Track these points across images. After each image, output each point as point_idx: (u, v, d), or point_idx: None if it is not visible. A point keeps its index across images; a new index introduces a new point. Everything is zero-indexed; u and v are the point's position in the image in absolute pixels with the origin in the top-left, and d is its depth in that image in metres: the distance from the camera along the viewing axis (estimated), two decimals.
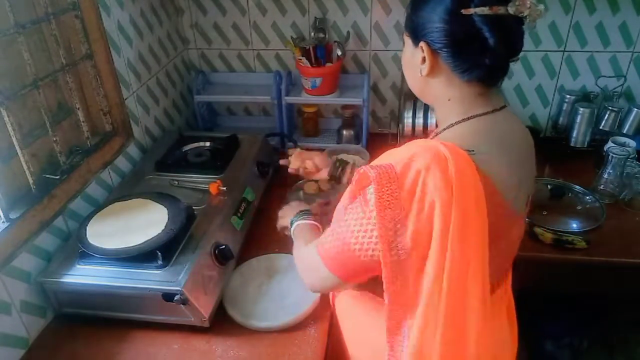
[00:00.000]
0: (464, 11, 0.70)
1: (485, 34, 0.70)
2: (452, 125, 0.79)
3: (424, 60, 0.77)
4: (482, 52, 0.72)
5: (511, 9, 0.69)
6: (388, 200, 0.68)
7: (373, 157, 1.59)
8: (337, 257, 0.78)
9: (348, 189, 0.78)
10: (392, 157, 0.73)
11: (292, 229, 1.06)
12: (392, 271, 0.70)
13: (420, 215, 0.67)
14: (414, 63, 0.80)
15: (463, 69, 0.75)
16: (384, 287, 0.72)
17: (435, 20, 0.73)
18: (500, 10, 0.69)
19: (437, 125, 0.88)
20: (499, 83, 0.80)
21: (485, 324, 0.70)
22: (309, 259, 0.86)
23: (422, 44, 0.76)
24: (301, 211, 1.08)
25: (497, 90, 0.81)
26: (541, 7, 0.71)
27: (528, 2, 0.69)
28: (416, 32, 0.77)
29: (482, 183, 0.69)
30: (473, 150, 0.71)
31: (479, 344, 0.70)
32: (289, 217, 1.10)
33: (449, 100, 0.80)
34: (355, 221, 0.74)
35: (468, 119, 0.78)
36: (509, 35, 0.72)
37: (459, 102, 0.79)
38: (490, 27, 0.70)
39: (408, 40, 0.81)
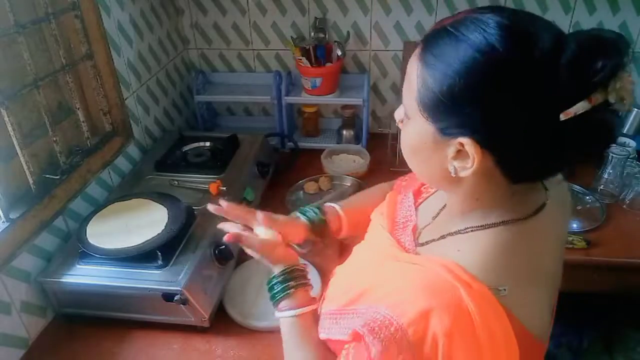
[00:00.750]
0: (563, 116, 0.50)
1: (576, 136, 0.51)
2: (471, 229, 0.62)
3: (460, 155, 0.56)
4: (560, 156, 0.55)
5: (611, 97, 0.50)
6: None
7: (373, 158, 1.60)
8: None
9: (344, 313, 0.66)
10: (396, 286, 0.59)
11: (281, 316, 0.79)
12: None
13: None
14: (436, 155, 0.59)
15: (522, 175, 0.58)
16: None
17: (501, 115, 0.52)
18: (599, 99, 0.50)
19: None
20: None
21: None
22: None
23: (466, 140, 0.54)
24: (284, 273, 0.78)
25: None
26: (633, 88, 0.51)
27: (629, 82, 0.50)
28: (459, 123, 0.55)
29: (513, 330, 0.55)
30: (504, 289, 0.56)
31: None
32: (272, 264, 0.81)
33: (476, 200, 0.62)
34: None
35: (492, 226, 0.60)
36: (606, 134, 0.53)
37: (488, 203, 0.61)
38: (584, 126, 0.51)
39: (424, 122, 0.58)
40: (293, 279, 0.77)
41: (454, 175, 0.58)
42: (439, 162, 0.59)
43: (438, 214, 0.73)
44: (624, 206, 1.43)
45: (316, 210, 0.91)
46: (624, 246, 1.30)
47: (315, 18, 1.70)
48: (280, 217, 0.87)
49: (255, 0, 1.72)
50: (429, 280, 0.58)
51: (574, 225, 1.37)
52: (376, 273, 0.68)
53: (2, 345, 0.98)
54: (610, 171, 1.44)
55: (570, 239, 1.29)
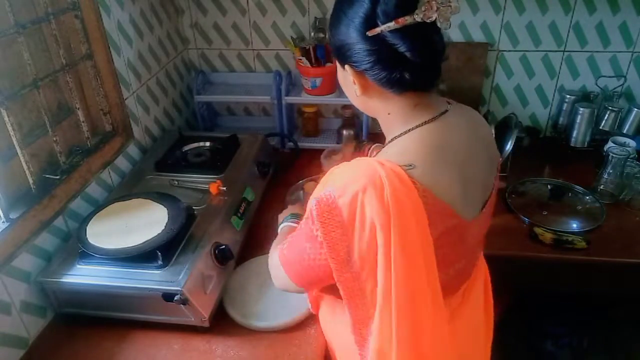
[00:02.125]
0: (369, 33, 0.70)
1: (400, 48, 0.70)
2: (393, 139, 0.80)
3: (354, 81, 0.78)
4: (404, 65, 0.72)
5: (418, 17, 0.68)
6: (331, 225, 0.71)
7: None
8: (294, 266, 0.82)
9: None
10: (333, 180, 0.75)
11: (279, 229, 1.05)
12: (348, 289, 0.74)
13: (362, 236, 0.70)
14: (348, 83, 0.81)
15: (391, 85, 0.75)
16: (344, 302, 0.76)
17: (350, 43, 0.74)
18: (408, 20, 0.68)
19: None
20: (435, 86, 0.80)
21: (440, 325, 0.76)
22: (274, 261, 0.89)
23: (347, 67, 0.77)
24: (292, 214, 1.07)
25: (436, 94, 0.81)
26: (454, 3, 0.70)
27: (434, 4, 0.67)
28: (339, 56, 0.79)
29: (422, 197, 0.70)
30: (411, 165, 0.72)
31: (435, 344, 0.75)
32: (283, 217, 1.10)
33: (388, 114, 0.81)
34: (308, 241, 0.77)
35: (408, 131, 0.78)
36: (426, 42, 0.71)
37: (398, 115, 0.79)
38: (402, 40, 0.69)
39: (339, 66, 0.82)
40: (298, 216, 1.03)
41: (356, 95, 0.80)
42: (351, 89, 0.81)
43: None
44: (624, 206, 1.44)
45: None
46: (624, 246, 1.30)
47: (315, 18, 1.70)
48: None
49: (255, 0, 1.72)
50: (353, 165, 0.75)
51: (574, 225, 1.37)
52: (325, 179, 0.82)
53: (2, 345, 0.98)
54: (610, 171, 1.45)
55: (570, 239, 1.29)
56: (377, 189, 0.68)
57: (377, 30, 0.69)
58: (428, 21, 0.68)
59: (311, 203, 0.74)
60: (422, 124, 0.77)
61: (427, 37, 0.71)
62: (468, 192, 0.78)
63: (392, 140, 0.80)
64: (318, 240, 0.74)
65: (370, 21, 0.70)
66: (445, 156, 0.76)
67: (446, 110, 0.80)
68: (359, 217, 0.70)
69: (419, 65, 0.72)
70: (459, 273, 0.84)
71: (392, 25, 0.68)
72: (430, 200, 0.71)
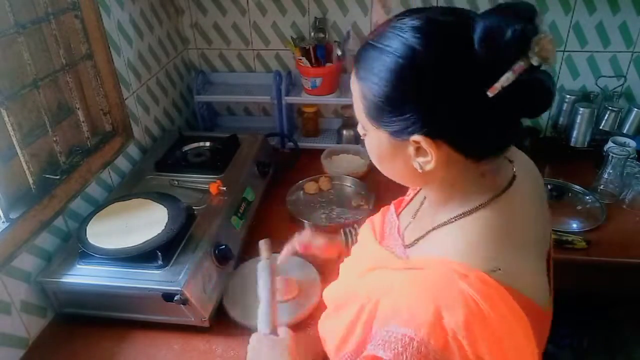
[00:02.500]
0: (490, 92, 0.53)
1: (517, 104, 0.55)
2: (453, 219, 0.63)
3: (420, 152, 0.59)
4: (508, 125, 0.58)
5: (534, 60, 0.52)
6: None
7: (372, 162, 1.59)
8: None
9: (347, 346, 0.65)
10: (395, 300, 0.58)
11: None
12: None
13: None
14: (399, 157, 0.62)
15: (482, 151, 0.60)
16: None
17: (439, 107, 0.56)
18: (523, 64, 0.52)
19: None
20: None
21: None
22: None
23: (418, 137, 0.57)
24: None
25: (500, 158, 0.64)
26: (549, 35, 0.53)
27: (548, 43, 0.52)
28: (405, 124, 0.58)
29: (520, 304, 0.55)
30: (499, 270, 0.57)
31: None
32: None
33: (451, 186, 0.64)
34: None
35: (472, 211, 0.62)
36: (544, 92, 0.55)
37: (462, 188, 0.63)
38: (520, 93, 0.53)
39: (379, 132, 0.61)
40: None
41: (420, 171, 0.61)
42: (404, 162, 0.62)
43: (417, 211, 0.76)
44: (624, 206, 1.43)
45: (353, 229, 1.07)
46: (624, 246, 1.30)
47: (315, 18, 1.70)
48: (321, 239, 1.05)
49: (255, 0, 1.72)
50: (429, 282, 0.58)
51: (574, 225, 1.37)
52: (372, 289, 0.65)
53: (2, 345, 0.98)
54: (610, 171, 1.44)
55: (570, 239, 1.29)
56: (479, 319, 0.52)
57: (498, 87, 0.52)
58: (543, 63, 0.53)
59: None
60: (490, 200, 0.62)
61: (546, 86, 0.55)
62: (545, 273, 0.66)
63: (450, 221, 0.64)
64: None
65: (485, 78, 0.53)
66: (525, 239, 0.63)
67: (514, 176, 0.65)
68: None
69: (520, 122, 0.59)
70: None
71: (510, 77, 0.52)
72: (525, 304, 0.56)
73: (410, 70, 0.55)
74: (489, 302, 0.53)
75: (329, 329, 0.75)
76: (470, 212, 0.62)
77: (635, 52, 1.65)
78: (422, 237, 0.69)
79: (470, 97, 0.54)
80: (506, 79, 0.52)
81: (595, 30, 1.63)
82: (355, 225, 1.07)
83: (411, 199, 0.82)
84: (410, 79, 0.56)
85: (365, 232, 0.84)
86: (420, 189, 0.80)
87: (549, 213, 0.72)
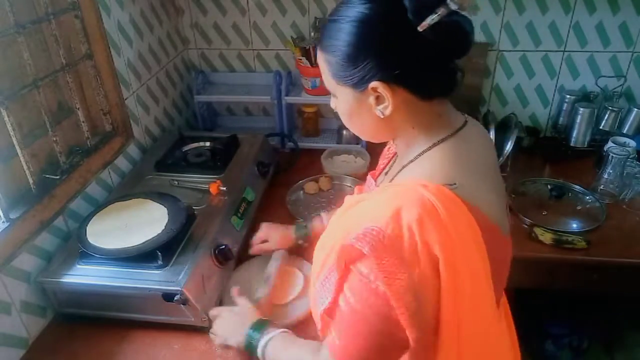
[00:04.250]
0: (421, 27, 0.63)
1: (444, 43, 0.65)
2: (419, 155, 0.73)
3: (379, 100, 0.70)
4: (444, 64, 0.68)
5: (452, 5, 0.63)
6: (393, 271, 0.61)
7: (373, 159, 1.60)
8: (358, 354, 0.69)
9: (324, 271, 0.72)
10: (368, 212, 0.67)
11: (261, 351, 0.86)
12: (420, 343, 0.65)
13: (425, 273, 0.62)
14: (364, 108, 0.72)
15: (429, 90, 0.70)
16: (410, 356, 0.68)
17: (386, 53, 0.66)
18: (444, 9, 0.63)
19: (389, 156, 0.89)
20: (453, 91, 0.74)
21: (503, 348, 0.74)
22: None
23: (375, 84, 0.68)
24: (256, 323, 0.90)
25: (450, 104, 0.76)
26: None
27: None
28: (363, 74, 0.68)
29: (475, 219, 0.65)
30: (455, 184, 0.66)
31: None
32: (236, 335, 0.92)
33: (412, 128, 0.73)
34: (364, 307, 0.65)
35: (434, 145, 0.72)
36: (463, 33, 0.66)
37: (422, 128, 0.73)
38: (445, 34, 0.64)
39: (344, 89, 0.72)
40: (266, 323, 0.92)
41: (382, 117, 0.70)
42: (368, 114, 0.72)
43: (390, 169, 0.87)
44: (624, 206, 1.44)
45: (305, 225, 1.21)
46: (624, 246, 1.30)
47: (315, 18, 1.70)
48: (280, 228, 1.23)
49: (255, 0, 1.72)
50: (393, 192, 0.69)
51: (574, 225, 1.37)
52: (351, 218, 0.74)
53: (2, 345, 0.98)
54: (610, 171, 1.45)
55: (570, 239, 1.29)
56: (433, 216, 0.62)
57: (426, 24, 0.63)
58: (460, 10, 0.63)
59: (357, 248, 0.63)
60: (449, 136, 0.72)
61: (464, 28, 0.66)
62: (503, 206, 0.75)
63: (415, 158, 0.73)
64: (380, 300, 0.63)
65: (417, 17, 0.63)
66: (479, 169, 0.72)
67: (466, 121, 0.76)
68: (421, 252, 0.61)
69: (454, 63, 0.68)
70: (501, 288, 0.80)
71: (434, 17, 0.62)
72: (480, 219, 0.66)
73: (362, 28, 0.67)
74: (443, 205, 0.63)
75: (315, 261, 0.81)
76: (432, 147, 0.72)
77: (635, 52, 1.65)
78: (395, 177, 0.79)
79: (408, 39, 0.65)
80: (431, 19, 0.63)
81: (595, 30, 1.63)
82: (306, 224, 1.21)
83: (385, 166, 0.92)
84: (363, 35, 0.67)
85: (345, 200, 0.92)
86: (394, 155, 0.89)
87: (502, 180, 0.81)
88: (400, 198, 0.65)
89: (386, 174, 0.88)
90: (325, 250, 0.75)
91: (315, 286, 0.76)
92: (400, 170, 0.76)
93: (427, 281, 0.62)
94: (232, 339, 0.93)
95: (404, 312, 0.62)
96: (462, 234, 0.63)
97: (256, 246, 1.21)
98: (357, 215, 0.72)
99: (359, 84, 0.70)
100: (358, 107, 0.73)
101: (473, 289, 0.65)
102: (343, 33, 0.68)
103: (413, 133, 0.74)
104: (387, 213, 0.63)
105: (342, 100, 0.76)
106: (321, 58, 0.75)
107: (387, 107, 0.69)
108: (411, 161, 0.74)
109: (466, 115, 0.79)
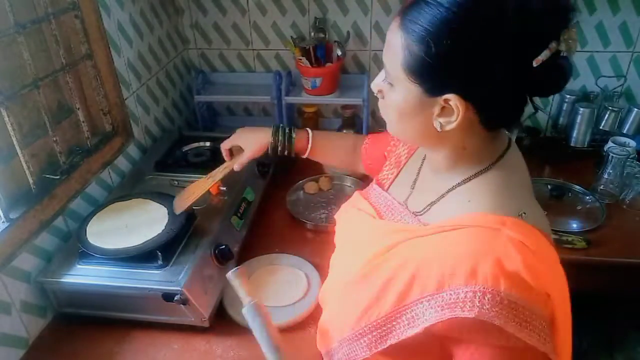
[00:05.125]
0: (535, 62, 0.57)
1: (544, 82, 0.60)
2: (467, 180, 0.68)
3: (444, 111, 0.62)
4: (526, 100, 0.64)
5: (562, 46, 0.57)
6: (525, 323, 0.56)
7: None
8: None
9: (368, 319, 0.66)
10: (440, 259, 0.61)
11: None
12: None
13: (550, 309, 0.59)
14: (423, 114, 0.64)
15: (498, 121, 0.65)
16: None
17: (484, 71, 0.58)
18: (555, 47, 0.57)
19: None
20: None
21: None
22: None
23: (451, 95, 0.59)
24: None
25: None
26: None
27: (575, 34, 0.57)
28: (443, 81, 0.60)
29: (547, 242, 0.64)
30: (524, 213, 0.63)
31: None
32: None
33: (464, 149, 0.67)
34: None
35: (486, 170, 0.67)
36: (564, 76, 0.60)
37: (475, 151, 0.67)
38: (551, 74, 0.59)
39: (410, 86, 0.62)
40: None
41: (439, 131, 0.63)
42: (424, 121, 0.64)
43: (415, 180, 0.79)
44: (624, 206, 1.44)
45: (289, 131, 1.09)
46: (624, 246, 1.30)
47: (315, 18, 1.70)
48: (248, 134, 1.14)
49: (255, 0, 1.72)
50: (476, 237, 0.61)
51: (574, 225, 1.37)
52: (406, 260, 0.66)
53: (2, 345, 0.98)
54: (610, 171, 1.44)
55: (570, 239, 1.29)
56: (529, 256, 0.59)
57: (541, 59, 0.57)
58: (566, 54, 0.58)
59: (464, 323, 0.57)
60: (498, 158, 0.68)
61: (568, 74, 0.61)
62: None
63: (466, 181, 0.68)
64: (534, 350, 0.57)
65: (533, 48, 0.57)
66: (528, 189, 0.70)
67: (510, 140, 0.72)
68: (539, 292, 0.58)
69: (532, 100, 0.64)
70: None
71: (547, 53, 0.57)
72: (551, 241, 0.65)
73: (463, 27, 0.56)
74: (528, 240, 0.59)
75: (345, 299, 0.74)
76: (483, 171, 0.67)
77: (635, 52, 1.65)
78: (436, 201, 0.71)
79: (511, 65, 0.57)
80: (545, 54, 0.56)
81: (595, 30, 1.63)
82: (291, 129, 1.11)
83: (396, 175, 0.85)
84: (462, 36, 0.57)
85: (352, 216, 0.84)
86: (407, 162, 0.84)
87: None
88: (491, 246, 0.59)
89: (412, 187, 0.79)
90: (371, 287, 0.68)
91: (356, 328, 0.68)
92: (447, 193, 0.70)
93: (550, 315, 0.59)
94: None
95: (552, 350, 0.57)
96: (551, 263, 0.62)
97: (234, 160, 1.12)
98: (419, 257, 0.64)
99: (433, 90, 0.61)
100: (416, 110, 0.64)
101: (566, 311, 0.63)
102: (437, 22, 0.57)
103: (461, 153, 0.68)
104: (487, 269, 0.57)
105: (399, 95, 0.65)
106: (399, 38, 0.61)
107: (450, 123, 0.62)
108: (459, 184, 0.69)
109: (508, 133, 0.74)
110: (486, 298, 0.55)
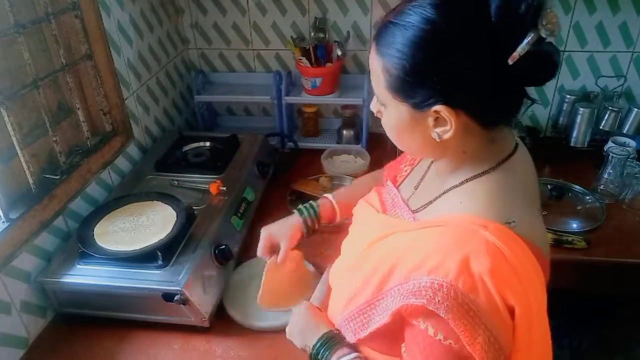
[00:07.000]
0: (510, 60, 0.57)
1: (531, 74, 0.60)
2: (465, 181, 0.68)
3: (438, 122, 0.63)
4: (518, 92, 0.63)
5: (543, 32, 0.56)
6: (472, 333, 0.57)
7: (373, 158, 1.60)
8: None
9: (359, 300, 0.70)
10: (418, 252, 0.63)
11: None
12: None
13: (504, 321, 0.59)
14: (419, 128, 0.65)
15: (494, 118, 0.65)
16: None
17: (460, 77, 0.59)
18: (534, 37, 0.56)
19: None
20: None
21: None
22: None
23: (439, 107, 0.61)
24: (326, 338, 0.79)
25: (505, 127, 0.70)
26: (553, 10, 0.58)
27: (554, 17, 0.56)
28: (428, 95, 0.61)
29: (533, 253, 0.62)
30: (514, 221, 0.62)
31: None
32: (307, 340, 0.84)
33: (463, 152, 0.68)
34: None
35: (484, 173, 0.67)
36: (554, 66, 0.60)
37: (474, 154, 0.67)
38: (534, 65, 0.58)
39: (399, 105, 0.64)
40: (337, 339, 0.79)
41: (438, 141, 0.64)
42: (422, 134, 0.66)
43: (420, 182, 0.80)
44: (624, 206, 1.43)
45: (310, 205, 1.04)
46: (624, 246, 1.30)
47: (315, 18, 1.70)
48: (275, 226, 1.02)
49: (255, 0, 1.72)
50: (452, 234, 0.63)
51: (574, 225, 1.37)
52: (389, 252, 0.69)
53: (2, 345, 0.98)
54: (610, 171, 1.44)
55: (570, 239, 1.29)
56: (503, 264, 0.58)
57: (517, 55, 0.57)
58: (550, 37, 0.57)
59: (430, 309, 0.58)
60: (499, 164, 0.67)
61: (555, 60, 0.60)
62: (545, 230, 0.72)
63: (461, 183, 0.68)
64: (460, 353, 0.58)
65: (508, 46, 0.57)
66: (528, 198, 0.68)
67: (517, 144, 0.71)
68: (499, 303, 0.57)
69: (524, 90, 0.63)
70: None
71: (525, 47, 0.56)
72: (538, 255, 0.63)
73: (432, 42, 0.59)
74: (508, 247, 0.59)
75: (341, 284, 0.79)
76: (481, 175, 0.67)
77: (635, 52, 1.65)
78: (432, 201, 0.73)
79: (489, 65, 0.58)
80: (522, 48, 0.56)
81: (595, 30, 1.63)
82: (311, 202, 1.06)
83: (409, 173, 0.87)
84: (432, 50, 0.59)
85: (363, 209, 0.88)
86: (420, 162, 0.85)
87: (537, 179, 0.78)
88: (464, 244, 0.60)
89: (415, 188, 0.81)
90: (370, 285, 0.70)
91: (344, 313, 0.73)
92: (441, 195, 0.71)
93: (505, 328, 0.59)
94: (300, 338, 0.87)
95: None
96: (530, 276, 0.60)
97: (273, 255, 1.01)
98: (401, 249, 0.67)
99: (421, 105, 0.62)
100: (412, 125, 0.66)
101: (540, 326, 0.62)
102: (407, 42, 0.60)
103: (462, 157, 0.68)
104: (452, 264, 0.58)
105: (393, 113, 0.67)
106: (377, 62, 0.65)
107: (447, 132, 0.63)
108: (455, 186, 0.69)
109: (517, 137, 0.74)
110: (441, 290, 0.58)
